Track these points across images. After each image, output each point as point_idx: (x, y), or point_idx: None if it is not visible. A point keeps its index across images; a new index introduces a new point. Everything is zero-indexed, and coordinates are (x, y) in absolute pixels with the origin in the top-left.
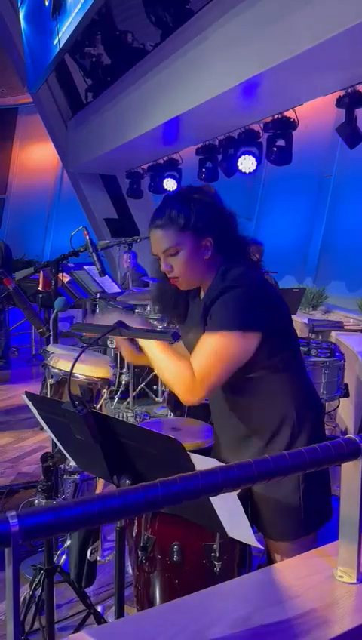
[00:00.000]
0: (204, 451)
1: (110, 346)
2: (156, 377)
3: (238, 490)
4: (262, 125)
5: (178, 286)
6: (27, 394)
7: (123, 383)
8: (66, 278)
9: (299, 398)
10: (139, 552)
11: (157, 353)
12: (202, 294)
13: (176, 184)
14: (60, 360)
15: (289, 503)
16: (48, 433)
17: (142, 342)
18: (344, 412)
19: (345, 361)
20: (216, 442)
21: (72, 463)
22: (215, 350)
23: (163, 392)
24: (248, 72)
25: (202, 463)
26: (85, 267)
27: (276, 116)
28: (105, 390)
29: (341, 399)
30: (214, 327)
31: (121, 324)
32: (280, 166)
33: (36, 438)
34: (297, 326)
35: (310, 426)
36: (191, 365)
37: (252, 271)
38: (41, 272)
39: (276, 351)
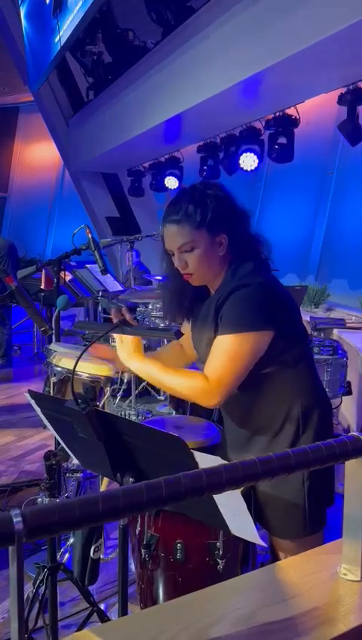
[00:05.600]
0: (207, 449)
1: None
2: None
3: (242, 488)
4: (263, 123)
5: (191, 282)
6: (30, 392)
7: (125, 381)
8: (68, 277)
9: (306, 395)
10: (143, 550)
11: (161, 375)
12: (212, 292)
13: (177, 182)
14: (63, 358)
15: (293, 501)
16: (51, 431)
17: (140, 371)
18: (346, 410)
19: (347, 359)
20: (223, 440)
21: (75, 461)
22: (228, 352)
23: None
24: (249, 70)
25: (205, 461)
26: (87, 265)
27: (277, 113)
28: (107, 388)
29: (343, 397)
30: (226, 328)
31: (123, 322)
32: (282, 163)
33: (39, 436)
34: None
35: (316, 424)
36: (198, 373)
37: (261, 268)
38: (43, 270)
39: (287, 347)
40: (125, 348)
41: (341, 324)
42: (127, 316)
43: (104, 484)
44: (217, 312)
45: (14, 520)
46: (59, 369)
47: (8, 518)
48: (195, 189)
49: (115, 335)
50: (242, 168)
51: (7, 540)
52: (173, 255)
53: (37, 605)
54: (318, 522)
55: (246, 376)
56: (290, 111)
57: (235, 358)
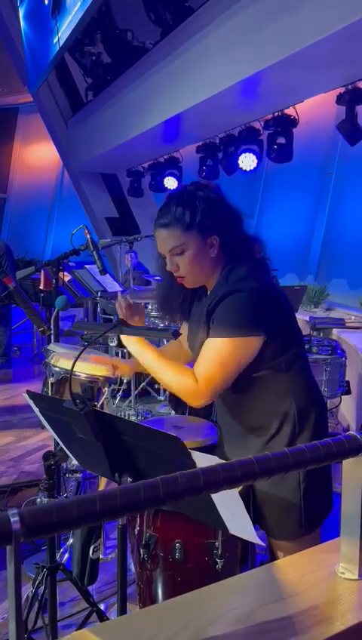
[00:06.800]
0: (206, 449)
1: (111, 344)
2: None
3: (240, 488)
4: (262, 123)
5: (185, 284)
6: (28, 393)
7: (125, 381)
8: (67, 277)
9: (302, 397)
10: (142, 550)
11: (155, 363)
12: (208, 292)
13: (176, 182)
14: (61, 358)
15: (290, 502)
16: (50, 432)
17: (138, 355)
18: (346, 409)
19: (346, 359)
20: (220, 441)
21: (75, 462)
22: (217, 356)
23: (165, 391)
24: (248, 70)
25: (203, 461)
26: (86, 266)
27: (276, 113)
28: (106, 388)
29: (342, 396)
30: (216, 332)
31: (121, 322)
32: (281, 163)
33: (39, 436)
34: (298, 324)
35: (312, 425)
36: (191, 372)
37: (257, 271)
38: (42, 270)
39: (280, 352)
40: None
41: (340, 323)
42: (124, 308)
43: (103, 484)
44: (209, 315)
45: (12, 520)
46: (57, 369)
47: (6, 518)
48: (184, 191)
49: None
50: (241, 168)
51: (5, 540)
52: (166, 258)
53: (36, 605)
54: (315, 522)
55: (240, 379)
56: (289, 111)
57: (223, 362)
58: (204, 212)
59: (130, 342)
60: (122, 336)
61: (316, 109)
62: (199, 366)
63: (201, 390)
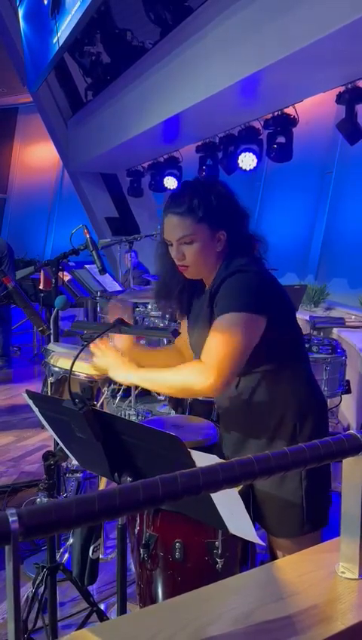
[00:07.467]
0: (206, 449)
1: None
2: None
3: (240, 487)
4: (262, 122)
5: (185, 274)
6: (27, 392)
7: None
8: (67, 277)
9: (303, 397)
10: (142, 550)
11: (157, 375)
12: (206, 288)
13: (176, 182)
14: (61, 358)
15: (292, 501)
16: (49, 432)
17: (143, 380)
18: (346, 408)
19: (346, 358)
20: (220, 440)
21: (75, 462)
22: (222, 331)
23: None
24: (248, 69)
25: (203, 460)
26: (86, 266)
27: (276, 113)
28: (105, 388)
29: (343, 396)
30: (220, 311)
31: (120, 322)
32: (281, 163)
33: (39, 436)
34: (298, 323)
35: (313, 423)
36: (192, 362)
37: (256, 261)
38: (42, 270)
39: (281, 344)
40: (117, 365)
41: (340, 323)
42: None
43: (103, 484)
44: (212, 299)
45: (10, 519)
46: (56, 369)
47: (4, 518)
48: (200, 183)
49: (96, 353)
50: (241, 168)
51: (4, 540)
52: (171, 245)
53: (36, 605)
54: (317, 521)
55: (244, 375)
56: (289, 110)
57: (229, 337)
58: (216, 207)
59: (129, 373)
60: (118, 378)
61: (316, 109)
62: (205, 347)
63: (210, 368)
